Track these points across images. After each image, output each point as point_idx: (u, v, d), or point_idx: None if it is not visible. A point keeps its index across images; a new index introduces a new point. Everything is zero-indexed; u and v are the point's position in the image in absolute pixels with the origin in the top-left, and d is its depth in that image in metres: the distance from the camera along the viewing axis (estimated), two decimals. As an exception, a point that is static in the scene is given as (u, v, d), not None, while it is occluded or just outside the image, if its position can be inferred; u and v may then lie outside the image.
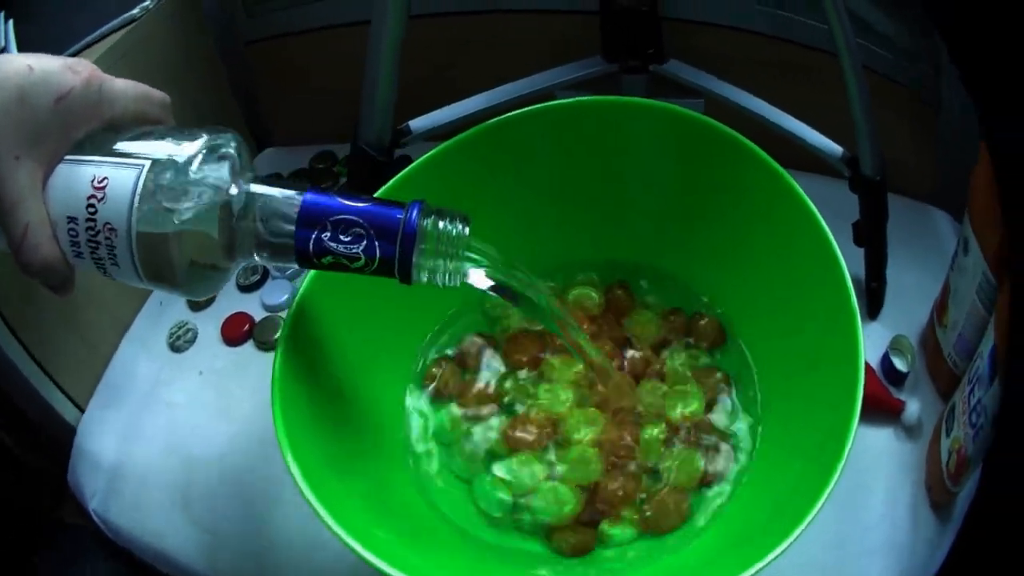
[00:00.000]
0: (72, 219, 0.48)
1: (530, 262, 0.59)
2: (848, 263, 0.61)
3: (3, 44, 0.79)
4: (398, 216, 0.49)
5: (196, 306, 0.90)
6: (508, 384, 0.69)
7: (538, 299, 0.57)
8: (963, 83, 0.74)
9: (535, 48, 0.81)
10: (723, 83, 0.75)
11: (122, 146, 0.49)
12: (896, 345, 0.75)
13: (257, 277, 0.91)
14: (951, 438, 0.65)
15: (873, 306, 0.78)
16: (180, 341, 0.87)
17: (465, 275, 0.53)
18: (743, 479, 0.63)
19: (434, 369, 0.71)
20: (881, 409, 0.72)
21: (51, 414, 0.81)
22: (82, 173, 0.49)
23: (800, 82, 0.80)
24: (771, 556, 0.49)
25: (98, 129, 0.51)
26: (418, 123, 0.73)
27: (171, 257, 0.49)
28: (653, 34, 0.74)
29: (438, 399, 0.70)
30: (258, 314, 0.88)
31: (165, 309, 0.90)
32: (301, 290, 0.62)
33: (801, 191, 0.62)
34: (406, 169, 0.66)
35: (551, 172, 0.71)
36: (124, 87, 0.52)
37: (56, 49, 0.56)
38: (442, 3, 0.87)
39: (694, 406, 0.66)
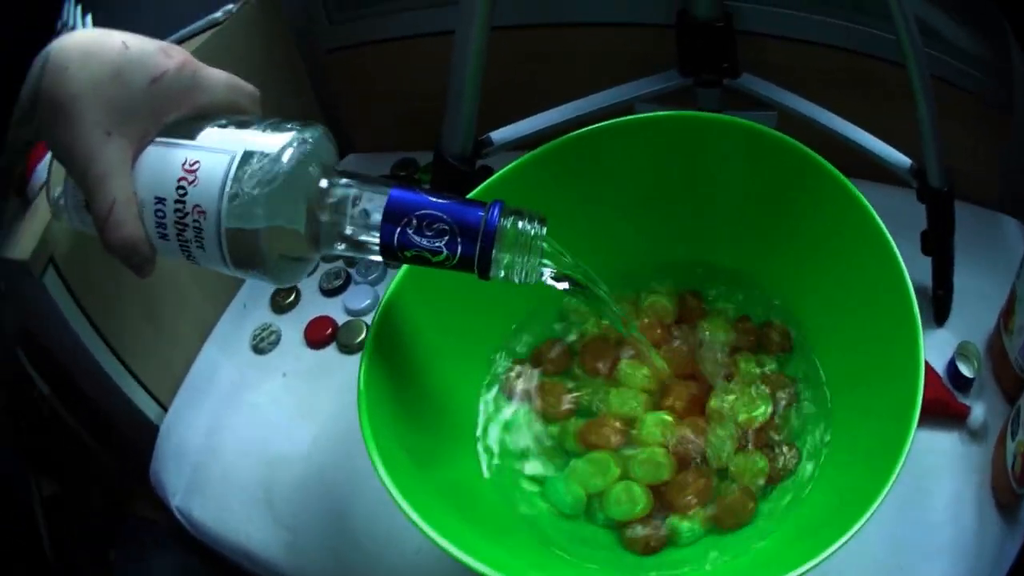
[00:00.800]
0: (160, 199, 0.49)
1: (606, 269, 0.61)
2: (916, 271, 0.61)
3: None
4: (480, 214, 0.51)
5: (279, 309, 0.91)
6: (583, 387, 0.71)
7: (603, 295, 0.59)
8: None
9: (611, 61, 0.81)
10: (794, 96, 0.76)
11: (212, 133, 0.50)
12: (962, 351, 0.76)
13: (340, 282, 0.91)
14: (1016, 441, 0.66)
15: (940, 313, 0.79)
16: (263, 343, 0.87)
17: (541, 273, 0.54)
18: (807, 482, 0.64)
19: (511, 372, 0.72)
20: (947, 414, 0.73)
21: (133, 411, 0.81)
22: (173, 155, 0.49)
23: (866, 91, 0.80)
24: (819, 559, 0.50)
25: (188, 115, 0.51)
26: (499, 135, 0.75)
27: (259, 246, 0.50)
28: (728, 49, 0.75)
29: (514, 399, 0.71)
30: (340, 318, 0.89)
31: (249, 312, 0.91)
32: (387, 292, 0.64)
33: (868, 205, 0.63)
34: (488, 180, 0.68)
35: (629, 182, 0.72)
36: (218, 76, 0.53)
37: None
38: (521, 16, 0.88)
39: (762, 409, 0.67)
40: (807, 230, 0.68)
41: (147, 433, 0.83)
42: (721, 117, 0.68)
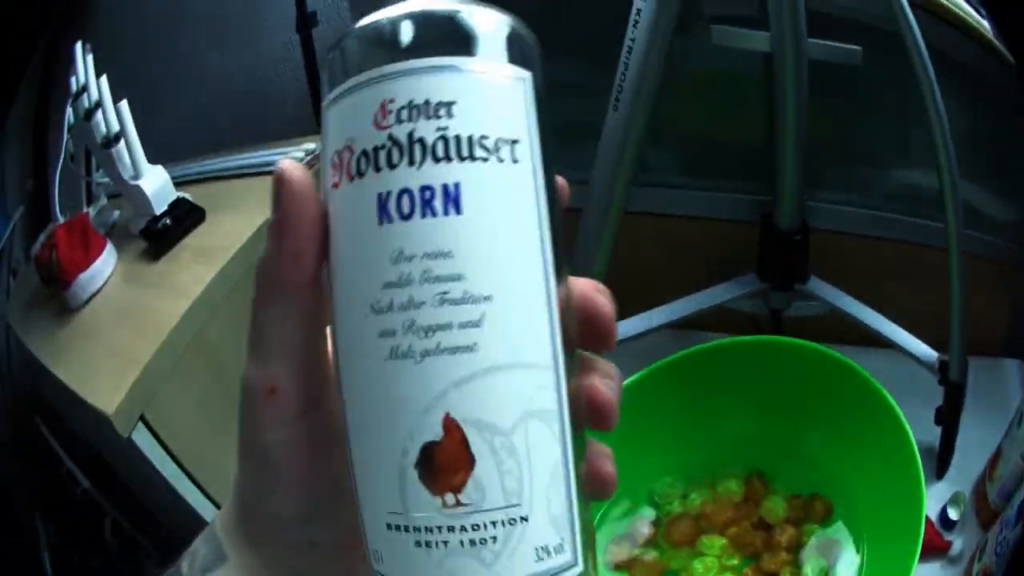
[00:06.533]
0: None
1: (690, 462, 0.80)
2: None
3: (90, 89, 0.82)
4: None
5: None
6: (670, 558, 0.83)
7: None
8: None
9: (694, 253, 0.93)
10: (848, 299, 0.88)
11: None
12: (953, 499, 0.91)
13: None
14: (980, 564, 0.82)
15: (941, 470, 0.93)
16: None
17: None
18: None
19: (611, 547, 0.84)
20: (932, 551, 0.89)
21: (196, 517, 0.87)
22: None
23: (910, 278, 0.91)
24: None
25: None
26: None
27: None
28: (802, 258, 0.88)
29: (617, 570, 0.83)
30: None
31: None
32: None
33: (894, 403, 0.74)
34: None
35: (706, 393, 0.84)
36: None
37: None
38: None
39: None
40: (845, 425, 0.80)
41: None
42: (798, 344, 0.81)
